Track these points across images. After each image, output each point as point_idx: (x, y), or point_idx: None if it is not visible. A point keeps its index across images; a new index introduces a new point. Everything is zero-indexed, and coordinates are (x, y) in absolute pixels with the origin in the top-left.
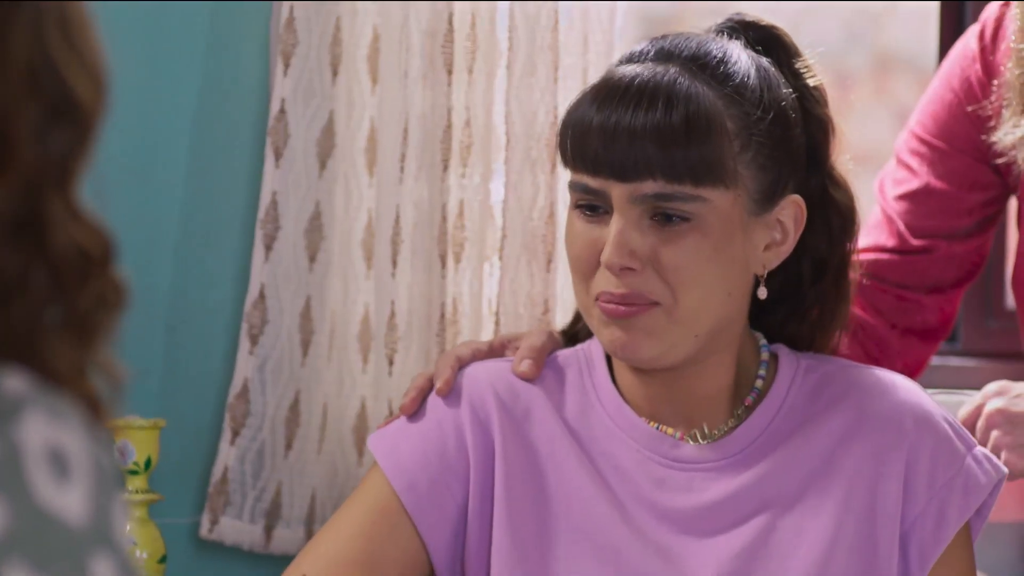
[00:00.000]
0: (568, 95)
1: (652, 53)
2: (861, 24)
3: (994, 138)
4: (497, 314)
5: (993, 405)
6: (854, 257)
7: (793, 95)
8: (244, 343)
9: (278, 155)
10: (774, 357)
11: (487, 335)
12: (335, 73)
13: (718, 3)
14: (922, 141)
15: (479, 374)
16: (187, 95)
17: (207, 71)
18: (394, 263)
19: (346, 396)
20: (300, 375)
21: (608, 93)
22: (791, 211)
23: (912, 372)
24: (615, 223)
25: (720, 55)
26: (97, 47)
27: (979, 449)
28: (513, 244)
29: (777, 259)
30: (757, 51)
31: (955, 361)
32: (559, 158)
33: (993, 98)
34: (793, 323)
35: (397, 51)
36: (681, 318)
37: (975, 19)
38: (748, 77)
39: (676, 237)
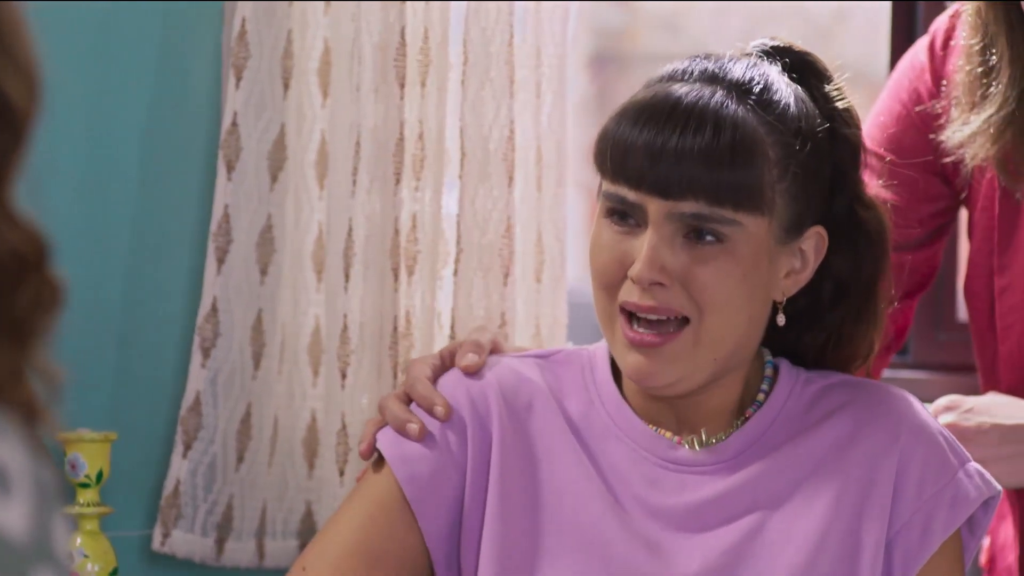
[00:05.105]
0: (523, 108)
1: (696, 73)
2: (811, 36)
3: (942, 136)
4: (453, 328)
5: (943, 420)
6: (886, 283)
7: (826, 125)
8: (196, 356)
9: (230, 168)
10: (776, 370)
11: (439, 348)
12: (286, 87)
13: (669, 15)
14: (871, 153)
15: (483, 370)
16: (139, 108)
17: (159, 84)
18: (347, 276)
19: (296, 409)
20: (251, 388)
21: (654, 112)
22: (813, 241)
23: None
24: (649, 238)
25: (764, 82)
26: (31, 50)
27: (973, 465)
28: (469, 258)
29: (795, 287)
30: (792, 77)
31: (906, 374)
32: (595, 168)
33: (942, 98)
34: (807, 342)
35: (349, 64)
36: (705, 340)
37: (926, 28)
38: (789, 107)
39: (708, 257)
